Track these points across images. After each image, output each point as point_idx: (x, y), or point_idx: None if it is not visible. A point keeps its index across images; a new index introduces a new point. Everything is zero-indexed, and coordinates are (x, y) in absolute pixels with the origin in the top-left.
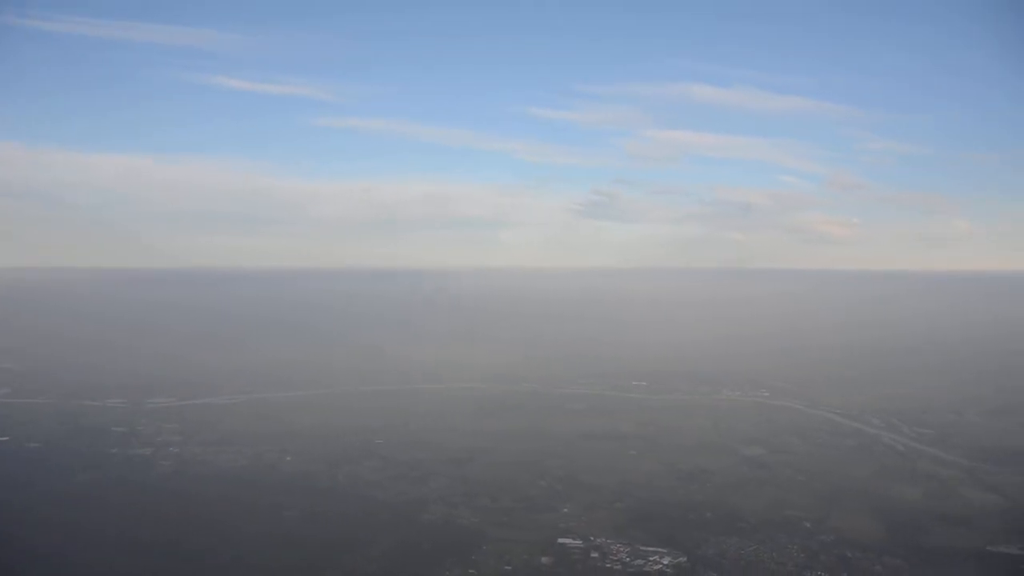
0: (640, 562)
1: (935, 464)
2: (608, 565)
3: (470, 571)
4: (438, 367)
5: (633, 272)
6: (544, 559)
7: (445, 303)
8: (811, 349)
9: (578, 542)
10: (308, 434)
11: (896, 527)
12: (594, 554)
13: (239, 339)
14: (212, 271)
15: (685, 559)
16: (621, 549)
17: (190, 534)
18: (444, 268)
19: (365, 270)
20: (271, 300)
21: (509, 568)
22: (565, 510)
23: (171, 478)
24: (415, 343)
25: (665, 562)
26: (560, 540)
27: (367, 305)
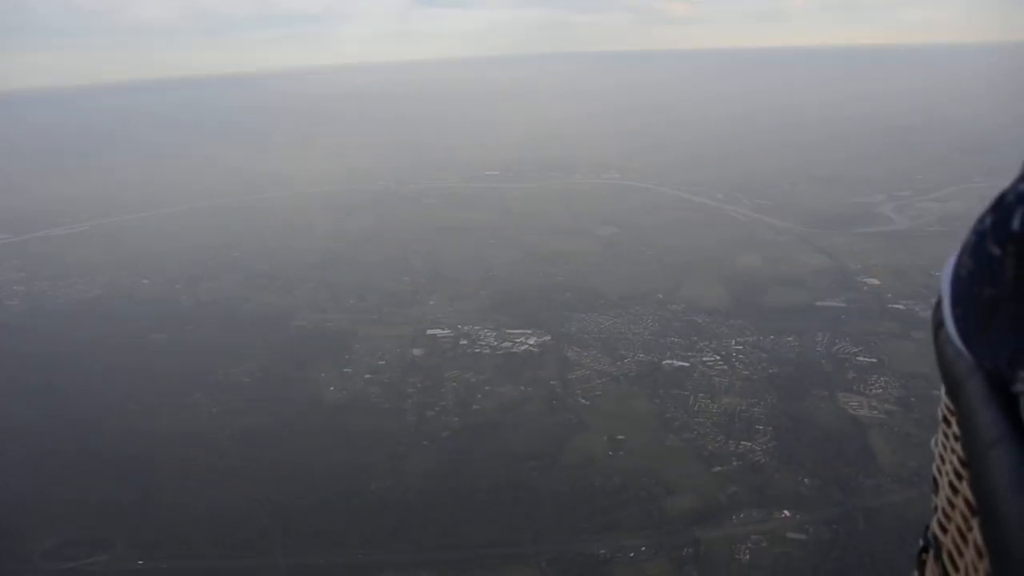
0: (507, 344)
1: (773, 232)
2: (477, 350)
3: (345, 370)
4: (286, 175)
5: (478, 62)
6: (416, 351)
7: (282, 108)
8: (657, 131)
9: (447, 332)
10: (161, 256)
11: (739, 291)
12: (463, 341)
13: (66, 164)
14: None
15: (549, 338)
16: (488, 334)
17: (58, 373)
18: (273, 71)
19: (190, 80)
20: (91, 121)
21: (383, 363)
22: (431, 303)
23: (23, 316)
24: (257, 152)
25: (531, 342)
26: (429, 331)
27: (198, 117)
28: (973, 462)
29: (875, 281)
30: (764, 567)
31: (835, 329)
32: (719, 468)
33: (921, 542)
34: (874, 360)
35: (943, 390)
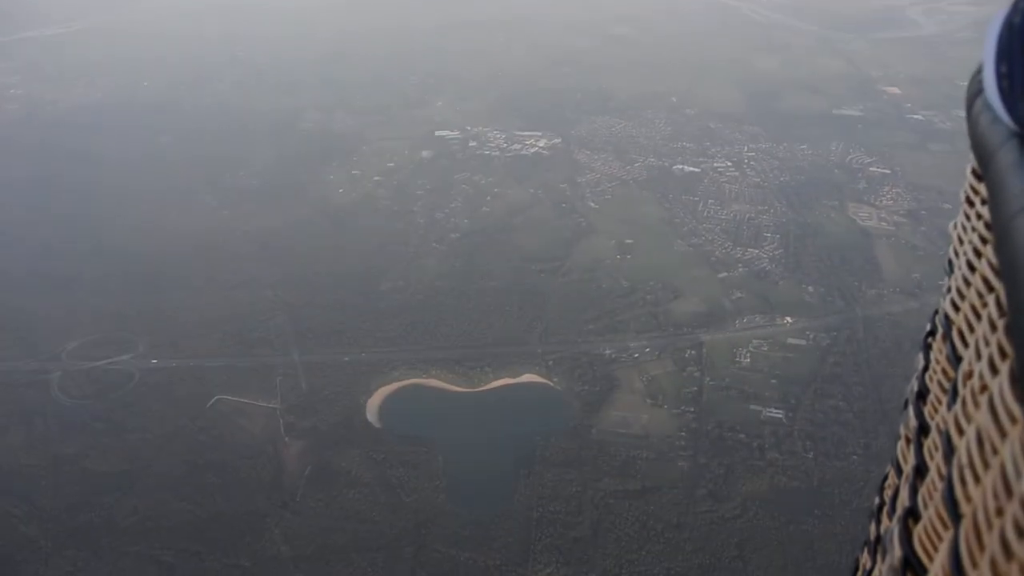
0: (517, 147)
1: (791, 34)
2: (487, 152)
3: (353, 172)
4: None
5: None
6: (424, 153)
7: None
8: None
9: (455, 133)
10: (160, 57)
11: (754, 97)
12: (472, 143)
13: None
14: None
15: (559, 140)
16: (498, 136)
17: (65, 177)
18: None
19: None
20: None
21: (391, 165)
22: (439, 104)
23: (23, 122)
24: None
25: (541, 144)
26: (438, 133)
27: None
28: (999, 231)
29: (895, 89)
30: (763, 370)
31: (850, 138)
32: (725, 274)
33: (928, 327)
34: (887, 171)
35: (969, 169)
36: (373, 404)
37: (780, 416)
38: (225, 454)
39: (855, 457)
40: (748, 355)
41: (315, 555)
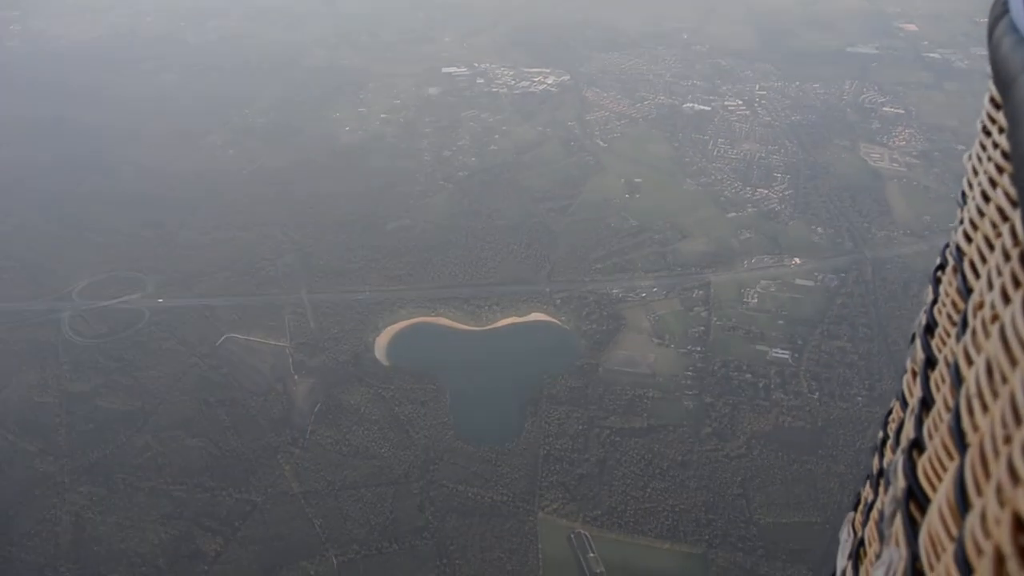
0: (525, 84)
1: None
2: (494, 89)
3: (360, 109)
4: None
5: None
6: (431, 90)
7: None
8: None
9: (463, 70)
10: None
11: (767, 34)
12: (480, 80)
13: None
14: None
15: (568, 77)
16: (505, 72)
17: (69, 112)
18: None
19: None
20: None
21: (398, 102)
22: (447, 39)
23: (26, 58)
24: None
25: (549, 81)
26: (445, 69)
27: None
28: (1018, 160)
29: (912, 26)
30: (770, 311)
31: (864, 77)
32: (734, 214)
33: (938, 260)
34: (901, 111)
35: (987, 98)
36: (381, 342)
37: (786, 356)
38: (235, 392)
39: (860, 398)
40: (756, 295)
41: (325, 490)
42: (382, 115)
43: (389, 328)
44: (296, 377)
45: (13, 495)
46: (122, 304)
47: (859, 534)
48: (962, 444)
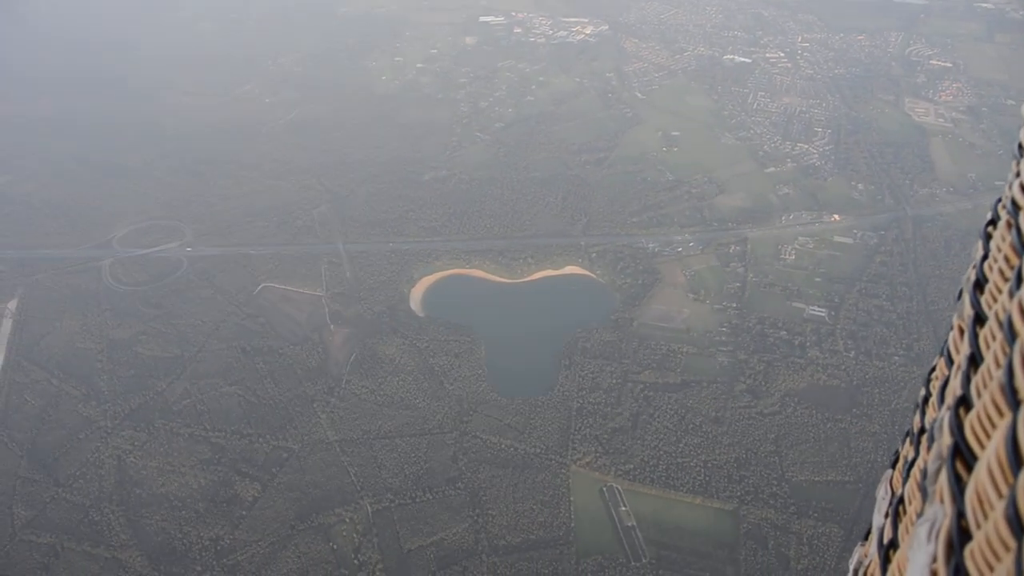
0: (563, 33)
1: None
2: (532, 39)
3: (396, 59)
4: None
5: None
6: (468, 39)
7: None
8: None
9: (500, 19)
10: None
11: None
12: (517, 29)
13: None
14: None
15: (606, 27)
16: (544, 22)
17: (107, 62)
18: None
19: None
20: None
21: (435, 51)
22: None
23: (68, 7)
24: None
25: (587, 31)
26: (482, 18)
27: None
28: None
29: None
30: (808, 268)
31: (911, 28)
32: (773, 169)
33: (989, 215)
34: (948, 64)
35: None
36: (416, 293)
37: (823, 314)
38: (272, 340)
39: (896, 358)
40: (793, 252)
41: (360, 439)
42: (418, 64)
43: (424, 279)
44: (332, 327)
45: (60, 438)
46: (161, 252)
47: (898, 492)
48: (1015, 400)
